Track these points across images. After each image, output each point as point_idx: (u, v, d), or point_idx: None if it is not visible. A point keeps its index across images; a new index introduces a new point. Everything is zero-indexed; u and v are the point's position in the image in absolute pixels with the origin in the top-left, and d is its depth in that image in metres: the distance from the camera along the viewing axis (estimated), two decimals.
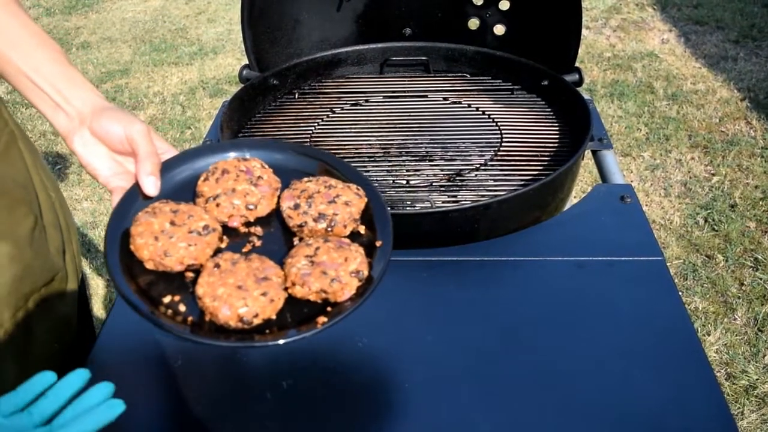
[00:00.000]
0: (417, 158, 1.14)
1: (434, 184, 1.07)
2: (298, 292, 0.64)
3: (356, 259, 0.66)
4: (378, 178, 1.09)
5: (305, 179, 0.74)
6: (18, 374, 0.74)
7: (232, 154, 0.77)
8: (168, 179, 0.73)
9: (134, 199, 0.71)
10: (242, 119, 1.25)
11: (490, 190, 1.06)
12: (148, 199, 0.71)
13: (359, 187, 0.74)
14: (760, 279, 2.17)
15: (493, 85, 1.36)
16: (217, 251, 0.69)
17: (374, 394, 0.73)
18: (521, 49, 1.36)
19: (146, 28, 4.45)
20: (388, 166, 1.12)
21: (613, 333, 0.79)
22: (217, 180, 0.72)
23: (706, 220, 2.45)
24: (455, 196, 1.05)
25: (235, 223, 0.71)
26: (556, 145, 1.17)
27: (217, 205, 0.71)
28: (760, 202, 2.51)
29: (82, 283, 0.97)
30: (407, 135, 1.20)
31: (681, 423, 0.68)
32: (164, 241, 0.65)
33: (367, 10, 1.42)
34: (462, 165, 1.12)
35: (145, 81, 3.73)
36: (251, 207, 0.71)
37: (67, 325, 0.89)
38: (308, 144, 1.18)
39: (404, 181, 1.08)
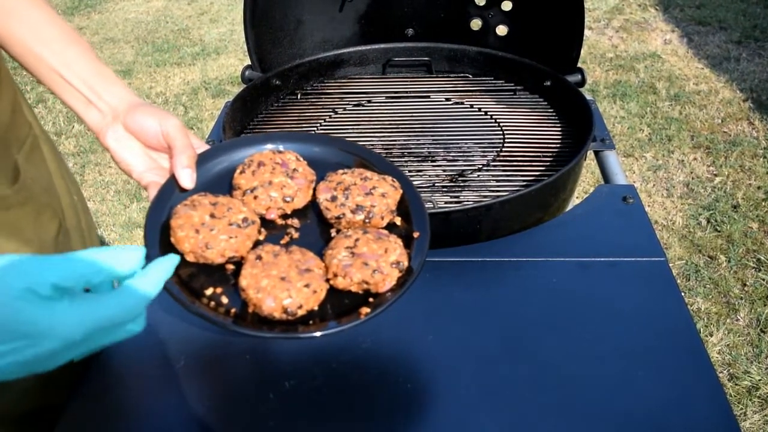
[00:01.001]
0: (419, 159, 1.14)
1: (437, 184, 1.07)
2: (340, 283, 0.65)
3: (396, 250, 0.67)
4: None
5: (341, 171, 0.75)
6: (37, 376, 0.74)
7: (267, 147, 0.78)
8: (203, 172, 0.73)
9: (171, 192, 0.71)
10: (245, 120, 1.25)
11: (493, 191, 1.06)
12: (185, 192, 0.71)
13: (394, 179, 0.74)
14: (763, 280, 2.16)
15: (496, 85, 1.36)
16: (257, 243, 0.69)
17: (377, 394, 0.73)
18: (523, 49, 1.36)
19: (149, 29, 4.46)
20: None
21: (616, 334, 0.79)
22: (254, 172, 0.72)
23: (708, 221, 2.44)
24: (458, 197, 1.05)
25: (272, 215, 0.72)
26: (558, 145, 1.17)
27: (255, 197, 0.71)
28: (763, 203, 2.51)
29: None
30: (410, 135, 1.20)
31: (683, 424, 0.68)
32: (205, 234, 0.65)
33: (370, 10, 1.42)
34: (464, 165, 1.12)
35: (147, 81, 3.73)
36: (288, 199, 0.72)
37: None
38: None
39: None
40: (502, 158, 1.14)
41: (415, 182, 1.07)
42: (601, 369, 0.74)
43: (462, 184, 1.08)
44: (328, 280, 0.65)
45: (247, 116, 1.26)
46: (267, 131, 1.23)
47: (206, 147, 0.76)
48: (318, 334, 0.61)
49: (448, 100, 1.32)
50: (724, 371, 1.89)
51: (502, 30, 1.41)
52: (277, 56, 1.39)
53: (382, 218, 0.71)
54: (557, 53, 1.32)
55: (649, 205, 2.55)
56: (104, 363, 0.77)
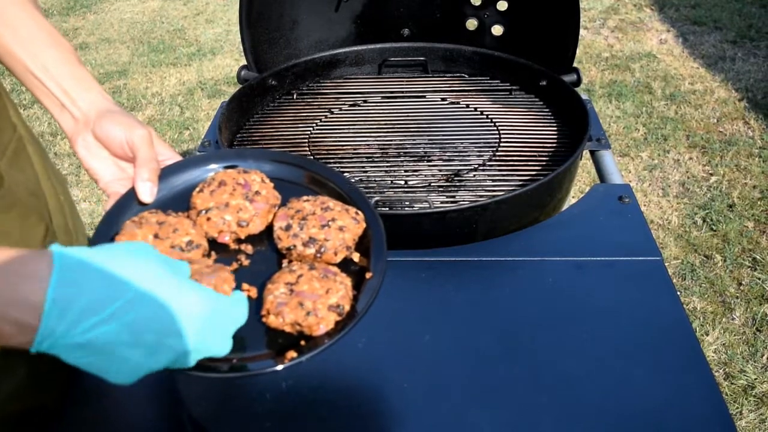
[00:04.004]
0: (415, 159, 1.14)
1: (432, 184, 1.07)
2: (272, 322, 0.61)
3: (338, 291, 0.62)
4: (376, 179, 1.09)
5: (304, 198, 0.71)
6: (28, 373, 0.74)
7: (237, 164, 0.75)
8: (167, 186, 0.71)
9: (129, 204, 0.69)
10: (241, 120, 1.25)
11: (489, 191, 1.06)
12: (144, 206, 0.69)
13: (358, 212, 0.70)
14: (759, 279, 2.17)
15: (492, 85, 1.37)
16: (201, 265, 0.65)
17: (373, 394, 0.73)
18: (519, 49, 1.36)
19: (144, 29, 4.45)
20: (387, 166, 1.12)
21: (612, 333, 0.79)
22: (212, 192, 0.69)
23: (704, 220, 2.45)
24: (453, 197, 1.05)
25: (225, 238, 0.68)
26: (554, 145, 1.17)
27: (208, 219, 0.68)
28: (758, 202, 2.51)
29: None
30: (405, 135, 1.20)
31: (680, 423, 0.68)
32: None
33: (366, 10, 1.42)
34: (460, 165, 1.12)
35: (143, 82, 3.73)
36: (243, 224, 0.69)
37: None
38: (306, 144, 1.18)
39: (402, 182, 1.08)
40: (498, 158, 1.14)
41: (411, 182, 1.07)
42: (598, 368, 0.75)
43: (458, 183, 1.08)
44: (262, 317, 0.62)
45: (243, 116, 1.26)
46: (263, 132, 1.23)
47: (178, 158, 0.74)
48: (233, 375, 0.58)
49: (444, 100, 1.32)
50: (720, 370, 1.89)
51: (497, 30, 1.41)
52: (272, 56, 1.39)
53: (336, 254, 0.67)
54: (553, 53, 1.32)
55: (644, 205, 2.56)
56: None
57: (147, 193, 0.69)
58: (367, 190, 1.06)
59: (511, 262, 0.90)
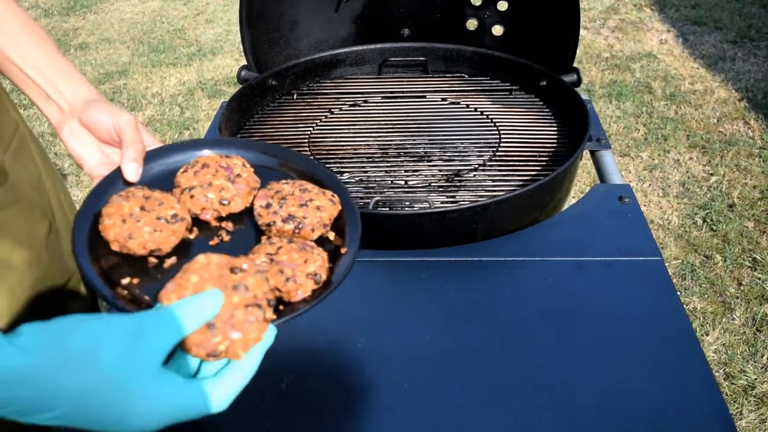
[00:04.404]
0: (415, 159, 1.14)
1: (433, 184, 1.07)
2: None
3: (316, 261, 0.66)
4: (376, 179, 1.09)
5: (283, 181, 0.75)
6: None
7: (219, 151, 0.78)
8: (150, 168, 0.74)
9: (114, 183, 0.72)
10: (241, 120, 1.25)
11: (489, 191, 1.06)
12: (129, 185, 0.72)
13: (334, 195, 0.74)
14: (759, 279, 2.17)
15: (492, 85, 1.37)
16: (187, 243, 0.69)
17: (373, 393, 0.73)
18: (519, 49, 1.36)
19: (144, 29, 4.45)
20: (387, 166, 1.12)
21: (612, 333, 0.79)
22: (196, 173, 0.73)
23: (704, 220, 2.45)
24: (454, 197, 1.05)
25: (207, 216, 0.72)
26: (554, 145, 1.17)
27: (192, 196, 0.71)
28: (759, 202, 2.51)
29: None
30: (406, 135, 1.20)
31: (680, 423, 0.68)
32: (131, 224, 0.66)
33: (366, 10, 1.42)
34: (460, 165, 1.12)
35: (143, 82, 3.73)
36: (225, 202, 0.72)
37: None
38: (306, 144, 1.18)
39: (403, 182, 1.08)
40: (498, 158, 1.14)
41: (411, 182, 1.08)
42: (598, 368, 0.75)
43: (458, 183, 1.08)
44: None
45: (243, 116, 1.26)
46: (263, 132, 1.23)
47: (159, 144, 0.77)
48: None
49: (444, 100, 1.32)
50: (720, 370, 1.89)
51: (497, 30, 1.41)
52: (273, 56, 1.39)
53: (313, 230, 0.71)
54: (553, 53, 1.32)
55: (645, 205, 2.56)
56: None
57: (132, 172, 0.71)
58: (367, 190, 1.06)
59: (511, 262, 0.90)
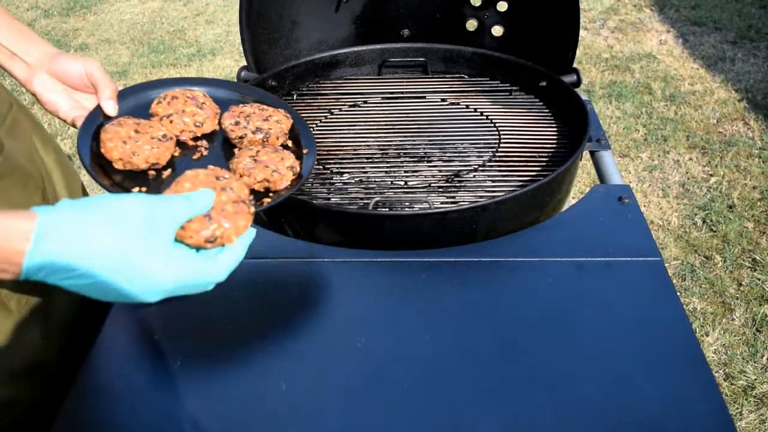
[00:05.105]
0: (415, 159, 1.14)
1: (432, 185, 1.07)
2: (246, 182, 0.79)
3: (290, 158, 0.83)
4: (376, 179, 1.09)
5: (242, 105, 0.91)
6: (42, 333, 0.80)
7: (176, 88, 0.91)
8: (123, 104, 0.87)
9: (97, 118, 0.84)
10: None
11: (489, 191, 1.06)
12: (108, 119, 0.83)
13: (287, 112, 0.92)
14: (758, 279, 2.17)
15: (491, 86, 1.37)
16: (174, 159, 0.83)
17: (373, 393, 0.73)
18: (519, 50, 1.37)
19: (144, 30, 4.45)
20: (387, 167, 1.13)
21: (612, 334, 0.79)
22: (169, 103, 0.87)
23: (704, 221, 2.45)
24: (453, 197, 1.05)
25: (185, 137, 0.86)
26: (554, 145, 1.17)
27: (171, 121, 0.85)
28: (758, 203, 2.51)
29: None
30: (405, 136, 1.21)
31: (680, 423, 0.68)
32: (131, 144, 0.79)
33: (366, 11, 1.42)
34: (460, 166, 1.12)
35: None
36: (198, 124, 0.87)
37: None
38: None
39: (402, 182, 1.08)
40: (498, 159, 1.14)
41: (411, 182, 1.08)
42: (597, 369, 0.75)
43: (458, 184, 1.08)
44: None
45: None
46: None
47: (118, 87, 0.89)
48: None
49: (443, 100, 1.32)
50: (720, 371, 1.89)
51: (497, 30, 1.41)
52: (272, 57, 1.39)
53: (277, 138, 0.88)
54: (553, 54, 1.33)
55: (644, 205, 2.56)
56: (99, 361, 0.76)
57: (111, 107, 0.84)
58: (367, 191, 1.06)
59: (511, 262, 0.90)
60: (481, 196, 1.04)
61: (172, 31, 4.41)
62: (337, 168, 1.12)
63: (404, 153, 1.16)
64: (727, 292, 2.14)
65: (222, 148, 0.87)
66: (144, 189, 0.77)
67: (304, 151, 0.88)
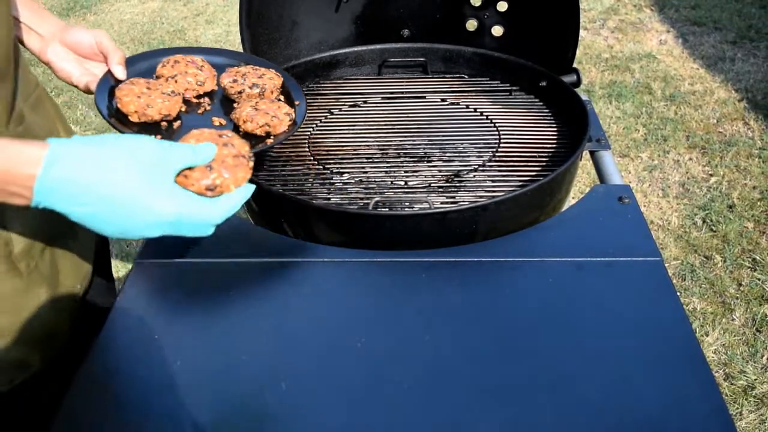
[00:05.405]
0: (415, 159, 1.15)
1: (432, 185, 1.07)
2: (248, 127, 0.91)
3: (284, 107, 0.95)
4: (376, 179, 1.09)
5: (236, 67, 1.01)
6: (52, 300, 0.83)
7: (177, 56, 1.00)
8: (131, 69, 0.96)
9: (108, 81, 0.92)
10: None
11: (489, 191, 1.06)
12: (119, 83, 0.92)
13: (276, 71, 1.02)
14: (758, 279, 2.17)
15: (491, 86, 1.37)
16: (182, 113, 0.93)
17: (373, 393, 0.73)
18: (519, 50, 1.37)
19: (144, 30, 4.45)
20: (387, 167, 1.13)
21: (611, 334, 0.79)
22: (173, 66, 0.97)
23: (704, 221, 2.45)
24: (453, 197, 1.05)
25: (189, 95, 0.96)
26: (554, 145, 1.17)
27: (176, 81, 0.95)
28: (758, 203, 2.51)
29: None
30: (405, 136, 1.21)
31: (679, 423, 0.68)
32: (145, 98, 0.88)
33: (366, 11, 1.42)
34: (460, 166, 1.12)
35: None
36: (200, 83, 0.97)
37: (87, 259, 0.95)
38: (306, 145, 1.18)
39: (402, 182, 1.08)
40: (497, 159, 1.14)
41: (411, 182, 1.08)
42: (597, 369, 0.75)
43: (458, 184, 1.08)
44: (238, 130, 0.91)
45: None
46: None
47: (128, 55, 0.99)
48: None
49: (443, 100, 1.32)
50: (720, 371, 1.89)
51: (497, 30, 1.41)
52: (272, 57, 1.39)
53: (272, 92, 0.99)
54: (553, 54, 1.33)
55: (644, 205, 2.56)
56: (101, 359, 0.76)
57: (121, 72, 0.93)
58: (367, 191, 1.06)
59: (511, 262, 0.90)
60: (481, 196, 1.04)
61: (172, 31, 4.41)
62: (337, 168, 1.12)
63: (404, 153, 1.16)
64: (727, 292, 2.14)
65: (222, 104, 0.98)
66: (158, 136, 0.83)
67: (296, 102, 0.99)
